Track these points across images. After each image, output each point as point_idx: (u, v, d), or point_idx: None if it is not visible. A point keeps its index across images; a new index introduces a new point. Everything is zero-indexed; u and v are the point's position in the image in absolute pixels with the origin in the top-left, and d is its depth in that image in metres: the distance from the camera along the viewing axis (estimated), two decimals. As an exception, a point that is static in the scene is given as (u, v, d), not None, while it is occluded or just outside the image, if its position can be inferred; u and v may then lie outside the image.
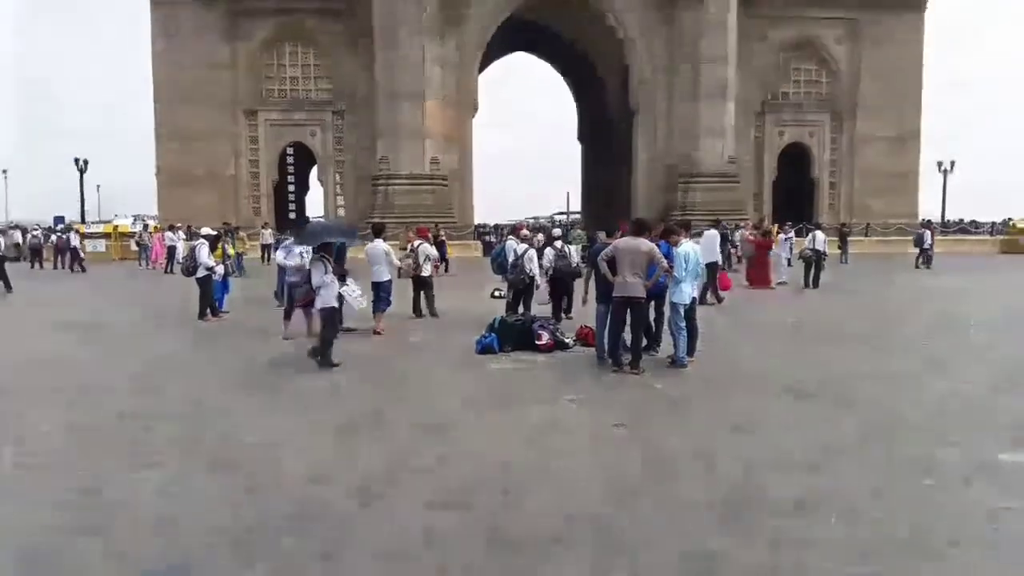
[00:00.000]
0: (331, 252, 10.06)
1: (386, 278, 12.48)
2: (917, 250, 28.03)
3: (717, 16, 36.74)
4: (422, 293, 14.31)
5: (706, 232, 19.11)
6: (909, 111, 41.02)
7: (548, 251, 13.40)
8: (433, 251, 15.15)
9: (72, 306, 17.93)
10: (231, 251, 16.03)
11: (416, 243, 14.68)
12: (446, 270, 23.96)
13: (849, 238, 31.83)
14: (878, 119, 40.62)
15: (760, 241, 20.88)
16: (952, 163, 47.17)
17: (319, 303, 9.89)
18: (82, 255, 29.24)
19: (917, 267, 27.03)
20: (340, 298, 10.05)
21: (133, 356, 10.80)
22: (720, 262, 18.24)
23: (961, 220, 44.32)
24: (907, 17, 40.73)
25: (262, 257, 29.36)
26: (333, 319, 9.88)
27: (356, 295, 10.39)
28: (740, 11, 37.62)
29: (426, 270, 14.30)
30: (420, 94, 35.80)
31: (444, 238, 26.31)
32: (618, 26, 38.17)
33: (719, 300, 16.66)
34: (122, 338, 12.54)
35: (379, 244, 12.63)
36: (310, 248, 12.59)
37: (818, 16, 40.00)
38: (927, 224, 33.36)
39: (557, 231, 16.15)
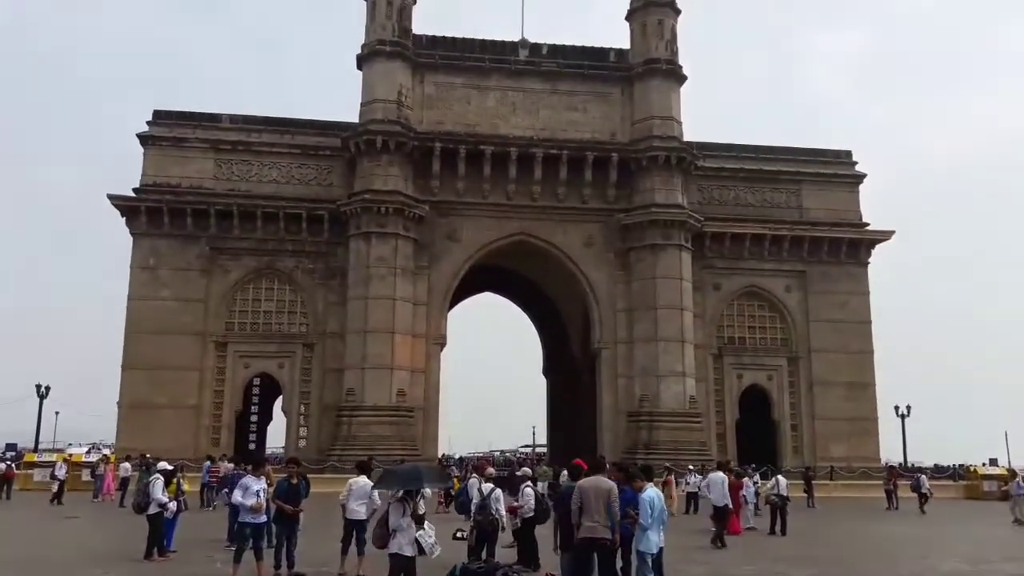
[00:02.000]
0: (413, 495, 9.65)
1: (364, 517, 12.06)
2: (913, 494, 29.79)
3: (672, 269, 38.93)
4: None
5: (712, 475, 18.91)
6: (862, 358, 42.29)
7: (528, 491, 13.01)
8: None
9: (13, 539, 16.93)
10: (186, 487, 15.49)
11: None
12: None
13: (814, 482, 31.69)
14: (833, 365, 41.78)
15: (733, 482, 20.23)
16: (908, 408, 48.13)
17: (393, 547, 9.30)
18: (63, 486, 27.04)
19: (922, 511, 28.26)
20: (416, 544, 9.43)
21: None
22: (731, 505, 17.94)
23: (922, 469, 44.36)
24: (852, 270, 43.15)
25: (201, 496, 26.30)
26: (408, 569, 9.24)
27: (431, 541, 9.59)
28: (694, 264, 40.11)
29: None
30: (389, 330, 36.64)
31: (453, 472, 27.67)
32: (580, 275, 40.20)
33: (723, 544, 16.41)
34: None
35: (363, 480, 12.32)
36: (264, 487, 12.19)
37: (767, 268, 42.44)
38: (890, 467, 33.90)
39: (527, 470, 15.83)
